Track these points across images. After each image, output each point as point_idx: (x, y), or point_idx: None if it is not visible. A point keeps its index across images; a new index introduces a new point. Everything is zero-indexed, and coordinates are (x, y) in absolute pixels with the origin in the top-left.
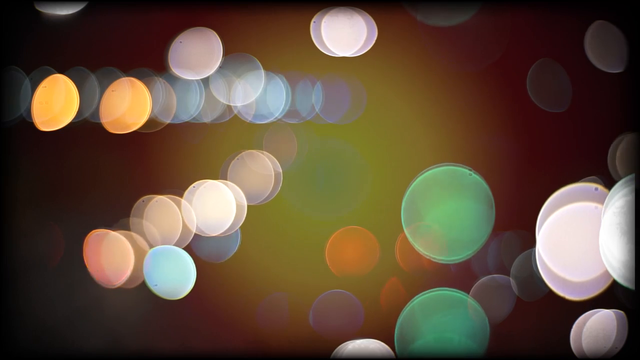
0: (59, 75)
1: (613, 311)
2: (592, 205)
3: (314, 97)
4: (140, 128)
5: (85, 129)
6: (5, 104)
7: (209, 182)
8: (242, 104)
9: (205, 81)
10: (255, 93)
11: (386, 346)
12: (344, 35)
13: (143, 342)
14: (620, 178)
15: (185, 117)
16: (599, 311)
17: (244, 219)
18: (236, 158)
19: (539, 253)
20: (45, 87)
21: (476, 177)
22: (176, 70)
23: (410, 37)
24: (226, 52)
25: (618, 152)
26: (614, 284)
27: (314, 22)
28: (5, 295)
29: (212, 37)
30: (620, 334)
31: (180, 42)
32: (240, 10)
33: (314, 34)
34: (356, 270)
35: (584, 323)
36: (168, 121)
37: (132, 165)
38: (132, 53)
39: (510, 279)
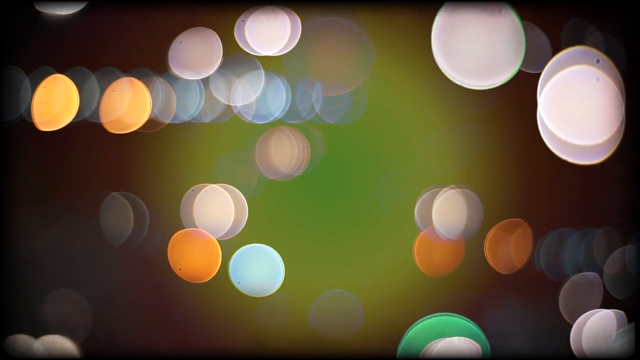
0: (59, 75)
1: (613, 311)
2: (594, 73)
3: (314, 97)
4: (140, 128)
5: (85, 129)
6: (5, 104)
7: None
8: (242, 104)
9: (205, 81)
10: (255, 93)
11: (476, 344)
12: (270, 34)
13: (142, 342)
14: None
15: (185, 117)
16: (599, 311)
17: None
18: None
19: (540, 116)
20: (45, 87)
21: (471, 325)
22: (176, 70)
23: (411, 37)
24: (226, 52)
25: None
26: (619, 149)
27: (242, 20)
28: (5, 295)
29: (212, 37)
30: (620, 334)
31: (180, 42)
32: (240, 10)
33: (237, 33)
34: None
35: (584, 323)
36: (168, 121)
37: (132, 165)
38: (132, 53)
39: (602, 276)
